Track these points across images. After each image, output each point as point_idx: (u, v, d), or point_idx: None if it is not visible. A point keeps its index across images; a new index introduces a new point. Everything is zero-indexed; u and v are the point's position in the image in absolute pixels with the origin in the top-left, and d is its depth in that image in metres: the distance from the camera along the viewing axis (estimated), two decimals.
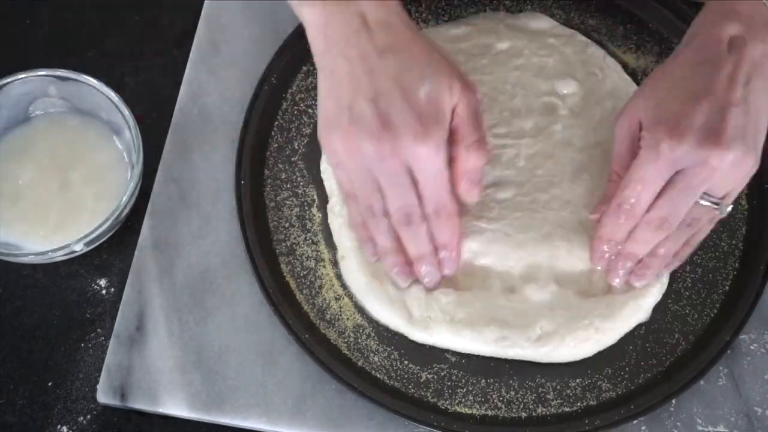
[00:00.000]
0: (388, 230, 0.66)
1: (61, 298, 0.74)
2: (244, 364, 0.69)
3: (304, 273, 0.72)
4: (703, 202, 0.64)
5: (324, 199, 0.74)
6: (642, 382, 0.68)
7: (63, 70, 0.73)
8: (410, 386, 0.68)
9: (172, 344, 0.70)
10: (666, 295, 0.71)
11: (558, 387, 0.68)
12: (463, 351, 0.69)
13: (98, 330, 0.73)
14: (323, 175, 0.75)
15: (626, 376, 0.69)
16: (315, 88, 0.78)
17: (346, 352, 0.69)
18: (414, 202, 0.63)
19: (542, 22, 0.80)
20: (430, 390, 0.68)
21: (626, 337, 0.70)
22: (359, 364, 0.69)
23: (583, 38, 0.80)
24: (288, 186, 0.75)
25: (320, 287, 0.71)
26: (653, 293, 0.70)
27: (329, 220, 0.73)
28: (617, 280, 0.69)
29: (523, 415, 0.67)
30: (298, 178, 0.75)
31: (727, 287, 0.72)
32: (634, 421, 0.67)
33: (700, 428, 0.68)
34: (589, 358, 0.69)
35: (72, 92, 0.74)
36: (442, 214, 0.64)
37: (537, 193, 0.73)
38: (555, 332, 0.68)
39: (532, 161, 0.74)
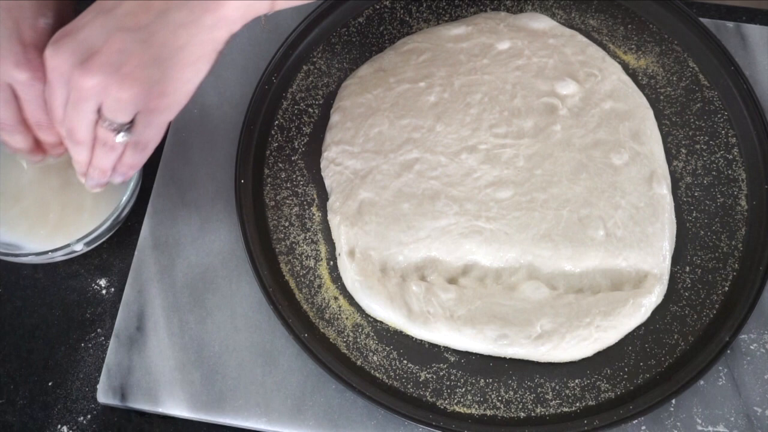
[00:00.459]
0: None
1: (61, 298, 0.74)
2: (244, 364, 0.69)
3: (304, 272, 0.72)
4: (103, 124, 0.59)
5: (324, 198, 0.75)
6: (641, 383, 0.68)
7: None
8: (409, 385, 0.68)
9: (172, 344, 0.70)
10: (665, 296, 0.71)
11: (557, 387, 0.68)
12: (462, 349, 0.69)
13: (98, 330, 0.73)
14: (323, 173, 0.75)
15: (625, 376, 0.69)
16: (315, 87, 0.79)
17: (345, 351, 0.69)
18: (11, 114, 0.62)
19: (543, 23, 0.80)
20: (429, 389, 0.68)
21: (626, 337, 0.70)
22: (358, 363, 0.69)
23: (583, 39, 0.80)
24: (288, 185, 0.75)
25: (319, 286, 0.71)
26: (654, 293, 0.70)
27: (328, 218, 0.73)
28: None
29: (522, 415, 0.67)
30: (298, 178, 0.75)
31: (726, 288, 0.72)
32: (634, 422, 0.67)
33: (700, 428, 0.68)
34: (588, 359, 0.69)
35: None
36: (44, 127, 0.63)
37: (535, 193, 0.73)
38: (555, 331, 0.68)
39: (531, 161, 0.74)
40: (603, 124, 0.76)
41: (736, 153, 0.77)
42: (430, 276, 0.71)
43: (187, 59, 0.59)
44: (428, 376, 0.68)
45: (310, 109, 0.78)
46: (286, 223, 0.74)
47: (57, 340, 0.72)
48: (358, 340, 0.70)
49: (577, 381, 0.68)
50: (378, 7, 0.82)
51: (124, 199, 0.70)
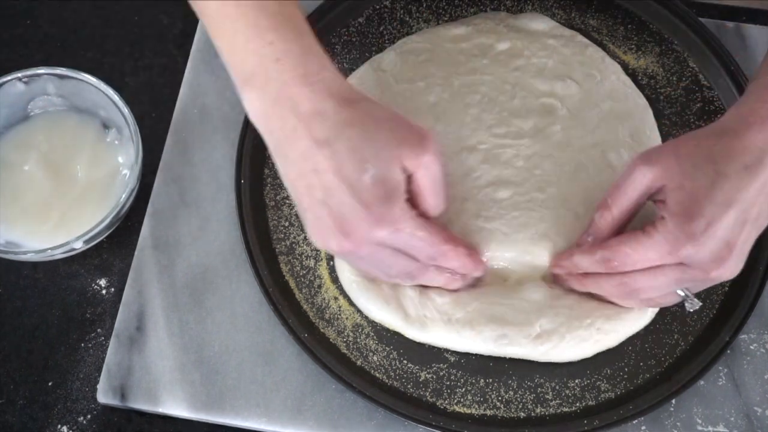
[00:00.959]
0: (403, 282, 0.68)
1: (61, 298, 0.74)
2: (244, 364, 0.69)
3: (304, 272, 0.72)
4: (679, 291, 0.64)
5: None
6: (641, 383, 0.68)
7: (61, 69, 0.73)
8: (409, 385, 0.68)
9: (172, 344, 0.70)
10: None
11: (557, 387, 0.68)
12: (461, 350, 0.69)
13: (98, 330, 0.73)
14: None
15: (625, 376, 0.69)
16: None
17: (345, 351, 0.69)
18: (406, 266, 0.64)
19: (542, 23, 0.80)
20: (429, 389, 0.68)
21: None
22: (358, 363, 0.69)
23: (583, 39, 0.80)
24: None
25: (319, 286, 0.71)
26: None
27: None
28: (555, 279, 0.70)
29: (522, 415, 0.67)
30: None
31: (726, 288, 0.71)
32: (634, 422, 0.67)
33: (700, 428, 0.68)
34: (588, 359, 0.69)
35: (71, 90, 0.74)
36: (438, 259, 0.65)
37: (534, 193, 0.73)
38: (555, 330, 0.68)
39: (530, 161, 0.74)
40: (602, 124, 0.76)
41: None
42: None
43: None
44: (428, 376, 0.68)
45: None
46: (286, 223, 0.74)
47: (57, 340, 0.72)
48: (358, 340, 0.70)
49: (577, 381, 0.68)
50: (378, 7, 0.82)
51: (124, 196, 0.70)
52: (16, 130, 0.75)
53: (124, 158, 0.74)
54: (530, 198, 0.73)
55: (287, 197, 0.74)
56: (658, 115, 0.78)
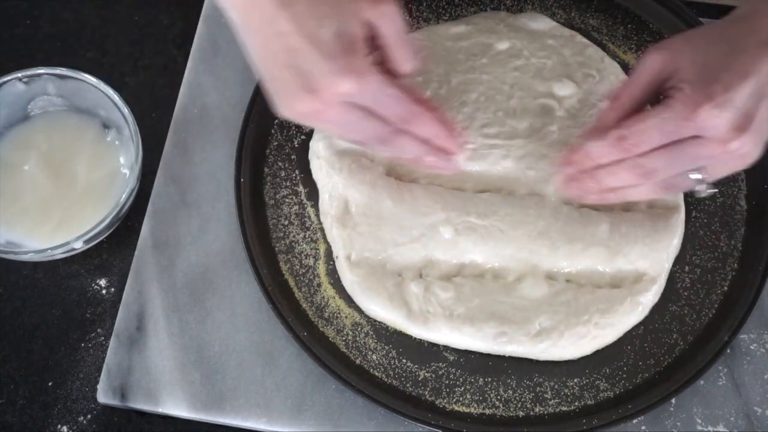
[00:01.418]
0: (378, 149, 0.67)
1: (61, 298, 0.74)
2: (244, 364, 0.70)
3: (303, 271, 0.72)
4: (692, 174, 0.62)
5: None
6: (640, 382, 0.68)
7: (61, 69, 0.73)
8: (408, 384, 0.68)
9: (172, 344, 0.70)
10: (664, 296, 0.71)
11: (556, 386, 0.68)
12: (461, 347, 0.69)
13: (98, 330, 0.73)
14: (311, 166, 0.75)
15: (624, 376, 0.69)
16: None
17: (344, 350, 0.69)
18: (376, 128, 0.63)
19: (542, 23, 0.80)
20: (428, 388, 0.68)
21: (624, 337, 0.70)
22: (357, 362, 0.69)
23: (583, 39, 0.80)
24: (287, 184, 0.75)
25: (319, 285, 0.71)
26: (652, 291, 0.70)
27: (321, 219, 0.73)
28: (568, 190, 0.68)
29: (521, 414, 0.67)
30: (298, 176, 0.75)
31: (725, 288, 0.72)
32: (633, 421, 0.67)
33: (700, 428, 0.68)
34: (587, 358, 0.69)
35: (71, 90, 0.74)
36: (410, 119, 0.63)
37: (529, 191, 0.73)
38: (554, 328, 0.68)
39: (523, 161, 0.74)
40: None
41: None
42: (428, 275, 0.71)
43: None
44: (427, 375, 0.69)
45: None
46: (286, 222, 0.74)
47: (57, 340, 0.72)
48: (358, 338, 0.70)
49: (576, 380, 0.68)
50: None
51: (124, 196, 0.70)
52: (16, 130, 0.75)
53: (124, 158, 0.74)
54: (524, 196, 0.73)
55: (287, 195, 0.74)
56: None
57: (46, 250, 0.68)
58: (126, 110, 0.72)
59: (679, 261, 0.72)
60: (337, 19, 0.58)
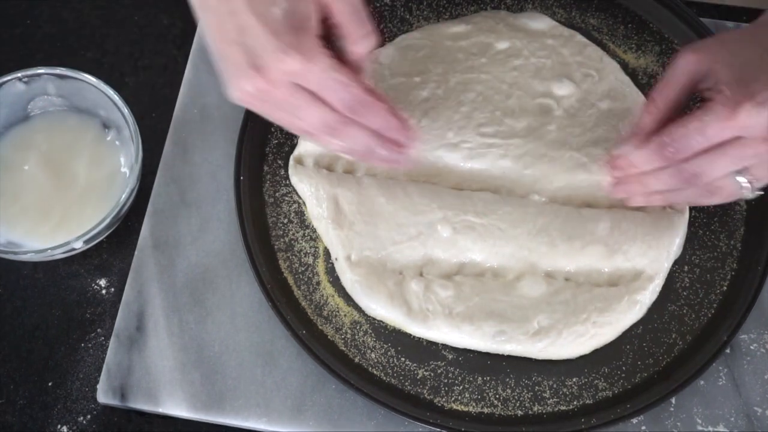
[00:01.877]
0: (326, 140, 0.65)
1: (61, 298, 0.74)
2: (244, 364, 0.70)
3: (302, 269, 0.72)
4: (738, 177, 0.62)
5: None
6: (639, 382, 0.68)
7: (61, 69, 0.73)
8: (407, 383, 0.68)
9: (172, 344, 0.70)
10: (663, 295, 0.71)
11: (554, 385, 0.68)
12: (460, 346, 0.69)
13: (98, 330, 0.73)
14: (293, 182, 0.74)
15: (623, 375, 0.69)
16: None
17: (343, 348, 0.69)
18: (324, 114, 0.62)
19: (542, 23, 0.80)
20: (427, 387, 0.68)
21: (623, 336, 0.70)
22: (356, 360, 0.69)
23: (582, 39, 0.80)
24: (287, 182, 0.75)
25: (318, 283, 0.71)
26: (649, 289, 0.70)
27: (315, 226, 0.73)
28: (615, 193, 0.69)
29: (519, 413, 0.67)
30: None
31: (725, 287, 0.72)
32: (633, 421, 0.67)
33: (700, 428, 0.68)
34: (585, 357, 0.69)
35: (71, 90, 0.74)
36: (358, 108, 0.62)
37: (527, 190, 0.73)
38: (552, 327, 0.68)
39: (520, 161, 0.74)
40: (601, 123, 0.75)
41: None
42: (428, 274, 0.71)
43: None
44: (426, 373, 0.69)
45: None
46: (285, 220, 0.74)
47: (57, 340, 0.72)
48: (356, 337, 0.70)
49: (574, 379, 0.68)
50: (378, 5, 0.82)
51: (124, 196, 0.70)
52: (16, 130, 0.75)
53: (124, 158, 0.74)
54: (523, 195, 0.73)
55: (286, 194, 0.74)
56: None
57: (46, 250, 0.68)
58: (126, 110, 0.72)
59: (678, 261, 0.72)
60: None
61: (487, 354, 0.69)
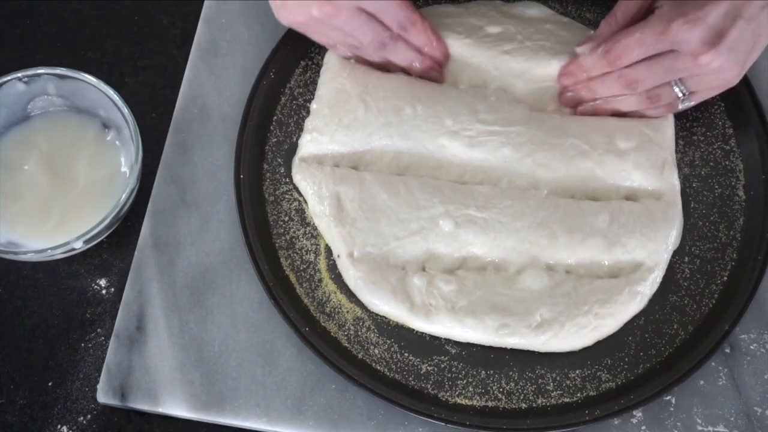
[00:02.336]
0: (374, 53, 0.75)
1: (61, 298, 0.74)
2: (244, 364, 0.69)
3: (304, 266, 0.72)
4: (675, 87, 0.71)
5: None
6: (641, 373, 0.68)
7: (61, 69, 0.73)
8: (410, 378, 0.68)
9: (172, 344, 0.70)
10: (664, 286, 0.71)
11: (558, 378, 0.68)
12: (463, 340, 0.69)
13: (98, 330, 0.73)
14: (295, 181, 0.75)
15: (625, 366, 0.69)
16: (313, 82, 0.79)
17: (346, 344, 0.69)
18: (378, 32, 0.72)
19: (538, 10, 0.80)
20: (431, 382, 0.68)
21: (625, 327, 0.70)
22: (359, 356, 0.69)
23: (581, 26, 0.80)
24: (287, 180, 0.75)
25: (320, 280, 0.71)
26: (649, 280, 0.70)
27: (316, 223, 0.73)
28: (564, 101, 0.76)
29: (523, 406, 0.67)
30: None
31: (725, 278, 0.72)
32: (634, 420, 0.67)
33: (700, 428, 0.68)
34: (588, 349, 0.69)
35: (71, 90, 0.74)
36: (407, 26, 0.72)
37: (528, 181, 0.73)
38: (555, 319, 0.68)
39: (522, 149, 0.73)
40: None
41: (733, 144, 0.77)
42: (431, 269, 0.71)
43: (761, 47, 0.69)
44: (429, 368, 0.69)
45: (308, 104, 0.78)
46: (286, 218, 0.74)
47: (57, 340, 0.72)
48: (359, 333, 0.70)
49: (577, 371, 0.68)
50: None
51: (124, 196, 0.70)
52: (16, 130, 0.75)
53: (124, 158, 0.74)
54: (523, 186, 0.73)
55: (286, 192, 0.75)
56: None
57: (46, 250, 0.68)
58: (126, 110, 0.72)
59: (678, 252, 0.73)
60: None
61: (490, 348, 0.69)
